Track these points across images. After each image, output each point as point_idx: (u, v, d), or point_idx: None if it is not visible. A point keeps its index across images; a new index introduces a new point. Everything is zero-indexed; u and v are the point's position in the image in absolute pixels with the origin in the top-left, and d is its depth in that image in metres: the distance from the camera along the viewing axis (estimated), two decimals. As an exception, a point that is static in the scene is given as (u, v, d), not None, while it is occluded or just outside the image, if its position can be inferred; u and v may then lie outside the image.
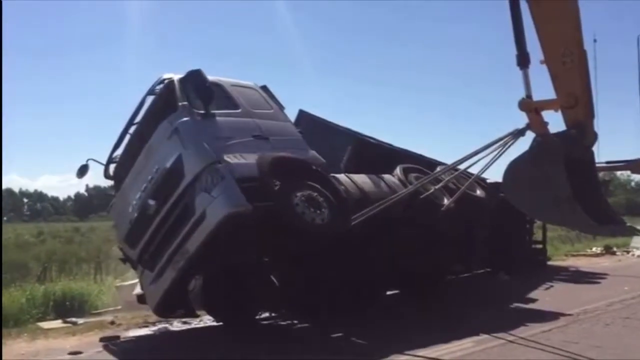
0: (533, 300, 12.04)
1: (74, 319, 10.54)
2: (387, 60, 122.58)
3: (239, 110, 9.03)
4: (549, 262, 18.76)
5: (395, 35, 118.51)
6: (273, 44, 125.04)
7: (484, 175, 11.93)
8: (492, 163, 9.17)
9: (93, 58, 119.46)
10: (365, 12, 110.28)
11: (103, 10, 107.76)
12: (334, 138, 12.00)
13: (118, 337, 9.13)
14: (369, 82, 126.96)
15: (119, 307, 11.37)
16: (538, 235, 18.36)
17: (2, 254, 14.05)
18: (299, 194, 8.44)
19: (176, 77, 8.93)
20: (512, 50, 8.37)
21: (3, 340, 8.71)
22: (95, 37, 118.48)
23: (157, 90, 9.37)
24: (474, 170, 10.49)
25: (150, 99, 9.50)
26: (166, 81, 9.13)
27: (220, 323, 9.97)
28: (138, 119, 9.63)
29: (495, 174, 11.89)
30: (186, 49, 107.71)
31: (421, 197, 10.57)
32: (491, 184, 13.22)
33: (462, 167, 10.41)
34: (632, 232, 12.96)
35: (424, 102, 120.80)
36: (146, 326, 10.00)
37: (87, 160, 9.85)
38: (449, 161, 11.06)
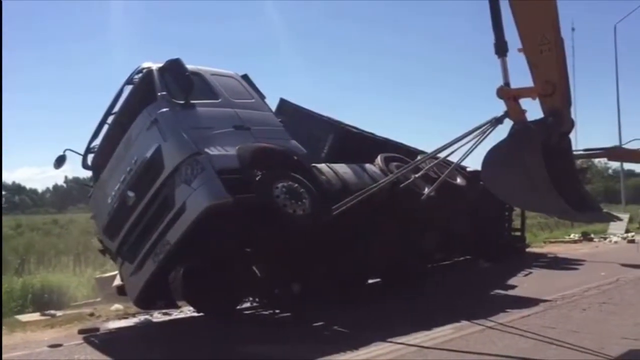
0: (512, 287, 12.19)
1: (52, 312, 10.44)
2: (370, 49, 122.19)
3: (219, 100, 8.97)
4: (528, 249, 19.00)
5: (378, 24, 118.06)
6: (256, 32, 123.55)
7: (464, 164, 12.03)
8: (471, 151, 9.17)
9: (73, 50, 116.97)
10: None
11: (85, 2, 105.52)
12: (315, 127, 11.98)
13: (98, 329, 9.06)
14: (352, 71, 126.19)
15: (99, 299, 11.30)
16: (517, 222, 18.58)
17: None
18: (280, 185, 8.45)
19: (155, 66, 8.85)
20: (491, 40, 8.41)
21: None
22: (76, 29, 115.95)
23: (135, 80, 9.27)
24: (454, 158, 10.55)
25: (128, 88, 9.41)
26: (145, 70, 9.05)
27: (202, 314, 9.94)
28: (116, 108, 9.54)
29: (474, 162, 11.98)
30: (168, 40, 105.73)
31: (402, 185, 10.61)
32: (471, 172, 13.31)
33: (442, 155, 10.44)
34: (609, 218, 13.15)
35: (406, 91, 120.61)
36: (126, 318, 9.94)
37: (65, 151, 9.75)
38: (431, 150, 11.10)
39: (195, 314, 10.00)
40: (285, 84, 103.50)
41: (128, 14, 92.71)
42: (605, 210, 11.11)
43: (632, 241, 21.82)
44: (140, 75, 9.11)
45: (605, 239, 24.20)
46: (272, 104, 11.21)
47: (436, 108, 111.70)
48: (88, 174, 10.31)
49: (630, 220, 26.52)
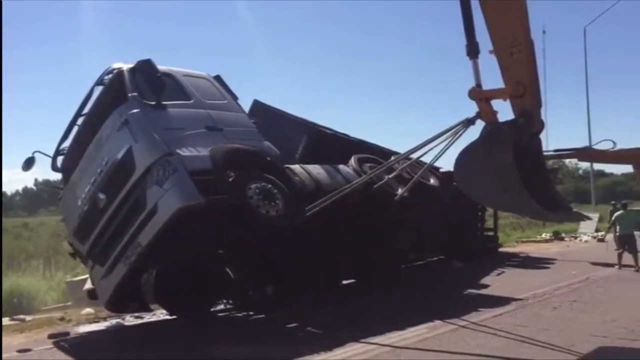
0: (485, 286, 12.33)
1: (22, 316, 10.27)
2: (345, 51, 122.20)
3: (191, 101, 8.90)
4: (501, 249, 19.27)
5: (353, 25, 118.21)
6: (231, 33, 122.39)
7: (437, 165, 12.10)
8: (443, 152, 9.23)
9: (44, 52, 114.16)
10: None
11: (56, 3, 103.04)
12: (289, 128, 11.95)
13: (68, 334, 8.92)
14: (328, 72, 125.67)
15: (69, 303, 11.13)
16: (490, 222, 18.80)
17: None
18: (253, 186, 8.41)
19: (126, 67, 8.74)
20: (463, 41, 8.49)
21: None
22: (47, 30, 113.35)
23: (105, 81, 9.15)
24: (427, 159, 10.62)
25: (99, 89, 9.28)
26: (115, 71, 8.92)
27: (175, 317, 9.84)
28: (87, 110, 9.40)
29: (448, 163, 12.06)
30: (142, 42, 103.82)
31: (375, 186, 10.64)
32: (444, 173, 13.42)
33: (415, 156, 10.49)
34: (579, 218, 13.38)
35: (383, 92, 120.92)
36: (97, 322, 9.80)
37: (34, 153, 9.58)
38: (405, 151, 11.13)
39: (168, 317, 9.89)
40: (261, 84, 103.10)
41: (100, 14, 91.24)
42: (575, 209, 11.28)
43: (601, 240, 22.19)
44: (110, 76, 8.99)
45: (576, 238, 24.65)
46: (247, 105, 11.20)
47: (412, 109, 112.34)
48: (58, 176, 10.13)
49: (600, 220, 27.04)
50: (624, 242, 15.27)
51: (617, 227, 15.66)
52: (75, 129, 9.51)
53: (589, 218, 17.36)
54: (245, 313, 10.12)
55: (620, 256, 15.07)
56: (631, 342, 7.36)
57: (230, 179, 8.28)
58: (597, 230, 25.69)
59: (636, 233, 15.32)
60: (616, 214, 16.51)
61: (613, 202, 23.99)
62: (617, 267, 14.79)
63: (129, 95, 8.33)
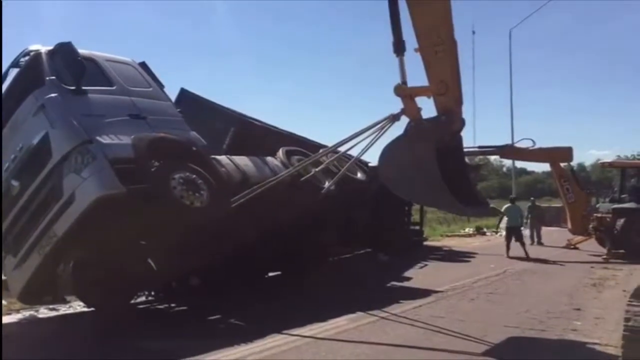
0: (408, 279, 12.65)
1: None
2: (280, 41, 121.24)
3: (113, 87, 8.60)
4: (426, 243, 19.78)
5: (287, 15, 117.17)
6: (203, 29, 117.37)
7: (365, 159, 12.27)
8: (369, 147, 9.41)
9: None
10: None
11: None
12: (216, 119, 11.78)
13: (-25, 327, 8.47)
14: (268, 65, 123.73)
15: (-21, 295, 10.55)
16: (417, 216, 19.25)
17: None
18: (177, 176, 8.23)
19: (44, 49, 8.36)
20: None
21: None
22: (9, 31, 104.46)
23: (22, 63, 8.72)
24: (355, 153, 10.75)
25: (14, 72, 8.83)
26: (33, 53, 8.52)
27: (92, 309, 9.54)
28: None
29: (374, 157, 12.25)
30: (109, 42, 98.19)
31: (302, 179, 10.66)
32: (372, 167, 13.61)
33: (342, 149, 10.59)
34: (494, 213, 14.17)
35: (314, 85, 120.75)
36: (9, 314, 9.35)
37: None
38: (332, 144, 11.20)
39: (86, 309, 9.58)
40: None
41: (68, 16, 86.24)
42: (493, 205, 11.76)
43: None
44: (27, 58, 8.57)
45: (497, 233, 25.58)
46: (174, 94, 10.95)
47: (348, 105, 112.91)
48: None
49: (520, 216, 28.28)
50: (511, 234, 16.98)
51: (505, 220, 17.31)
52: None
53: (502, 213, 18.31)
54: (167, 305, 9.94)
55: (507, 246, 16.80)
56: (540, 333, 7.76)
57: (154, 169, 8.09)
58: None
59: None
60: (504, 207, 17.87)
61: (532, 198, 25.20)
62: (505, 255, 16.33)
63: (47, 78, 7.97)
